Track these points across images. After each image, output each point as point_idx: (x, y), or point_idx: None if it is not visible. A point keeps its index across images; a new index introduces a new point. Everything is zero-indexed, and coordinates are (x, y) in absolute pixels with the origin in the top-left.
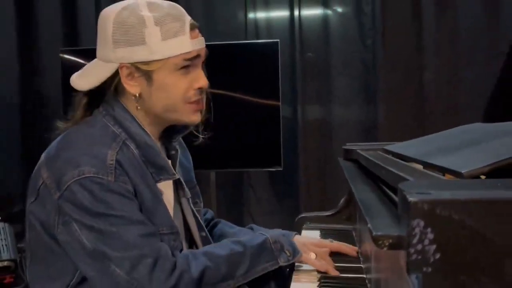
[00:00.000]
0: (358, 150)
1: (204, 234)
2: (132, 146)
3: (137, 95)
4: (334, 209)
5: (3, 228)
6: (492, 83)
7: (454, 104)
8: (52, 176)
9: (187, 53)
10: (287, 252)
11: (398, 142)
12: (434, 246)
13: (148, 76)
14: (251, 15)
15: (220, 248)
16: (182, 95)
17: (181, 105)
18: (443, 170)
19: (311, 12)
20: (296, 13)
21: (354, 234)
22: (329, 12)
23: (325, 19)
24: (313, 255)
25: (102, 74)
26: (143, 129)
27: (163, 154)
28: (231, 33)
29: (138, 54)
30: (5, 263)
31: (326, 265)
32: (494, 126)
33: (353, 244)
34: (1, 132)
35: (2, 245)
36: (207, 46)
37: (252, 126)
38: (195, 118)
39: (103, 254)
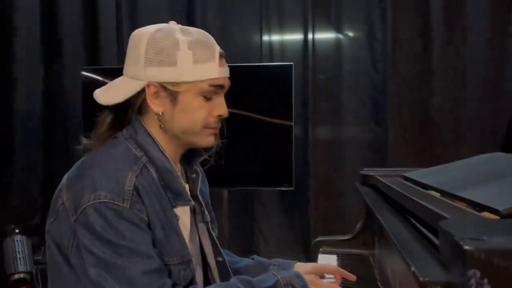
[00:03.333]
0: (376, 176)
1: (220, 259)
2: (152, 170)
3: (160, 113)
4: (351, 234)
5: (20, 240)
6: (505, 109)
7: (461, 128)
8: (71, 198)
9: (214, 79)
10: None
11: (407, 162)
12: None
13: (173, 97)
14: (266, 38)
15: None
16: (202, 120)
17: (199, 129)
18: (476, 205)
19: (324, 36)
20: (310, 36)
21: (371, 259)
22: (341, 36)
23: (337, 43)
24: None
25: (129, 90)
26: (163, 153)
27: (181, 179)
28: (247, 55)
29: (168, 74)
30: (22, 275)
31: None
32: None
33: (371, 269)
34: (23, 148)
35: (19, 257)
36: None
37: (265, 145)
38: (210, 140)
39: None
